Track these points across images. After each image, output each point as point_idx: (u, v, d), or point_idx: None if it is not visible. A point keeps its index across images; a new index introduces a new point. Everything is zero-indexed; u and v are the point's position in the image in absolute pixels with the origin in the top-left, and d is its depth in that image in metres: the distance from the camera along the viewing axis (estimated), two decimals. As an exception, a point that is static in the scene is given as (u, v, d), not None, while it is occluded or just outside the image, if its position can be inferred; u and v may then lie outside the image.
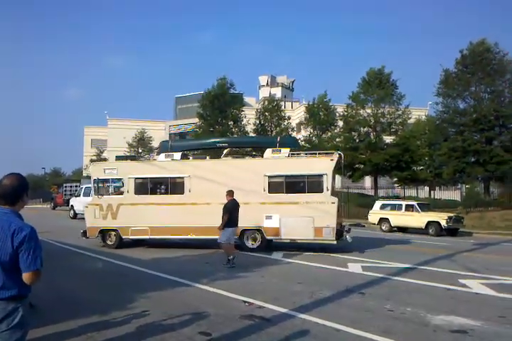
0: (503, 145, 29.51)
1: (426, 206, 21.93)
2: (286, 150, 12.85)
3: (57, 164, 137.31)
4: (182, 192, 12.83)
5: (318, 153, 13.18)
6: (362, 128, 36.27)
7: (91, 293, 7.15)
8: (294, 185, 12.51)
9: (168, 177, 13.14)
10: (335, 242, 12.04)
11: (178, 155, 13.46)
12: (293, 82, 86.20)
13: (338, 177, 53.79)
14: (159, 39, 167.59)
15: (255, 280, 8.35)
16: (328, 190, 11.93)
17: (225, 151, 14.55)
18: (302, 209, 11.85)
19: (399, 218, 21.20)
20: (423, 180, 36.47)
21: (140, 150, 57.66)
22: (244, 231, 12.20)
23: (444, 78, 31.32)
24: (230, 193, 10.08)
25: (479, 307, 6.53)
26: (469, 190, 31.14)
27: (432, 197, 36.33)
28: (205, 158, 14.09)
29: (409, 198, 30.62)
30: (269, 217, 12.15)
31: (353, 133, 36.82)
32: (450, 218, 19.67)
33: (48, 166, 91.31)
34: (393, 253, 12.91)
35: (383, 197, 28.60)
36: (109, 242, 12.95)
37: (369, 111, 35.84)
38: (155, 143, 60.40)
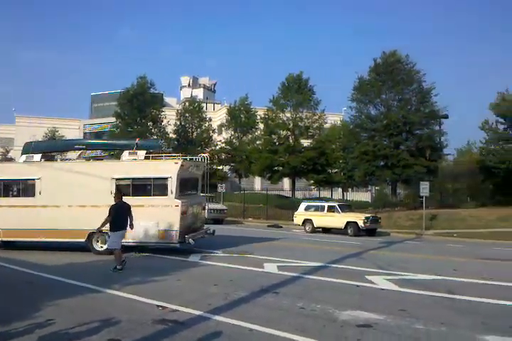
0: (409, 150, 31.73)
1: (347, 207, 22.97)
2: (142, 153, 12.94)
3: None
4: (33, 195, 12.68)
5: (164, 157, 13.19)
6: (281, 132, 37.20)
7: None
8: (140, 188, 12.54)
9: (19, 180, 13.00)
10: (178, 245, 11.97)
11: (38, 156, 13.30)
12: (215, 84, 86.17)
13: (257, 179, 54.38)
14: (74, 34, 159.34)
15: (171, 283, 8.23)
16: (172, 193, 11.98)
17: (77, 153, 14.68)
18: (147, 212, 11.76)
19: (321, 219, 21.90)
20: (337, 182, 38.22)
21: (51, 150, 54.32)
22: (92, 233, 11.91)
23: (358, 85, 33.04)
24: (118, 195, 9.96)
25: (383, 301, 6.96)
26: (378, 192, 33.15)
27: (345, 198, 38.13)
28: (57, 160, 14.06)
29: (324, 199, 31.94)
30: None
31: (272, 136, 37.65)
32: (367, 218, 20.66)
33: None
34: (308, 252, 13.37)
35: (309, 199, 29.35)
36: None
37: (288, 115, 36.89)
38: (68, 143, 57.42)
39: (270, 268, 10.00)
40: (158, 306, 6.37)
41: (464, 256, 13.86)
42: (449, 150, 50.61)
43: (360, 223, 20.36)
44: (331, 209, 21.69)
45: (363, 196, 35.76)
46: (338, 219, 21.16)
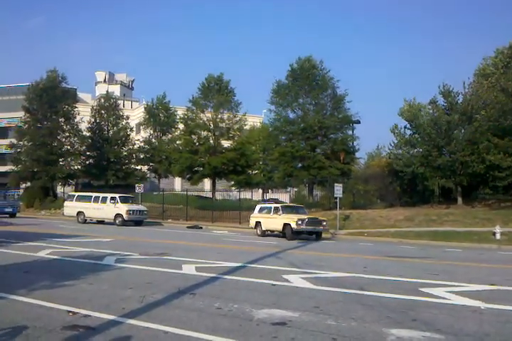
0: (324, 153, 33.10)
1: (294, 208, 22.26)
2: None
3: None
4: None
5: None
6: (202, 132, 37.06)
7: None
8: None
9: None
10: None
11: None
12: (133, 81, 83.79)
13: (177, 179, 53.75)
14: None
15: (83, 287, 7.83)
16: None
17: None
18: None
19: (267, 221, 21.06)
20: (257, 183, 38.83)
21: None
22: None
23: (276, 88, 33.88)
24: None
25: (298, 299, 7.17)
26: (297, 193, 34.16)
27: (265, 198, 38.78)
28: None
29: (244, 200, 32.26)
30: None
31: (193, 136, 37.39)
32: (302, 220, 19.65)
33: None
34: (226, 253, 13.41)
35: (262, 200, 28.74)
36: None
37: (209, 115, 36.84)
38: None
39: (188, 269, 9.89)
40: (68, 312, 6.03)
41: (374, 254, 14.73)
42: (360, 153, 53.54)
43: (293, 225, 19.45)
44: (276, 210, 20.99)
45: (282, 197, 36.60)
46: (278, 221, 20.42)
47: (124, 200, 27.11)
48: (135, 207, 27.10)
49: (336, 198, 24.46)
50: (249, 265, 10.87)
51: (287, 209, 21.56)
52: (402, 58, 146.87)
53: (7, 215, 31.01)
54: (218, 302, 6.72)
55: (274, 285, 8.31)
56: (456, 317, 6.23)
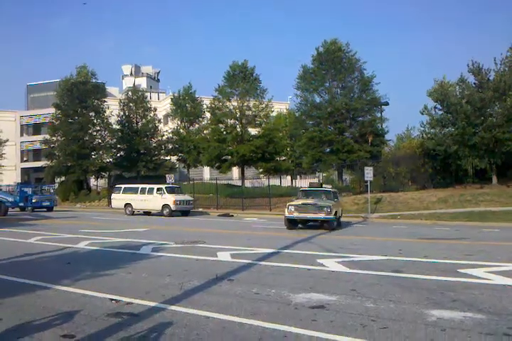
0: (353, 137, 32.69)
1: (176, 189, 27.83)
2: None
3: None
4: None
5: None
6: (229, 120, 37.09)
7: None
8: None
9: None
10: None
11: None
12: (158, 73, 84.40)
13: (206, 169, 54.30)
14: (4, 21, 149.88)
15: (123, 276, 8.06)
16: None
17: None
18: None
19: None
20: (286, 170, 38.77)
21: (-15, 144, 51.29)
22: None
23: (302, 73, 33.48)
24: None
25: (334, 283, 7.20)
26: (325, 178, 33.95)
27: (294, 185, 38.77)
28: None
29: (273, 187, 32.32)
30: None
31: (220, 125, 37.46)
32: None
33: None
34: (258, 239, 13.52)
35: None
36: None
37: (235, 103, 36.79)
38: (3, 136, 54.42)
39: (224, 256, 10.04)
40: (111, 300, 6.23)
41: (408, 236, 14.56)
42: (390, 135, 52.72)
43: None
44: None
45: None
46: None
47: (170, 191, 26.91)
48: (181, 197, 26.81)
49: (367, 181, 24.21)
50: (283, 250, 10.94)
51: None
52: (428, 39, 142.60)
53: (45, 209, 32.06)
54: (256, 288, 6.81)
55: (310, 269, 8.35)
56: (498, 297, 6.13)
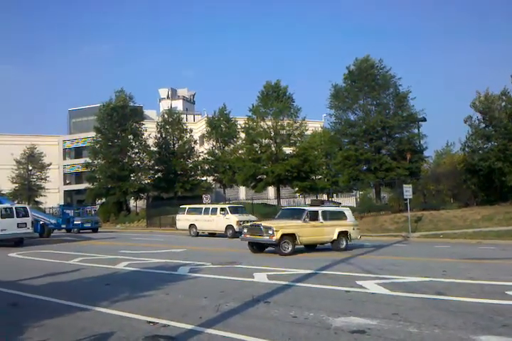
0: (390, 154, 32.10)
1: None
2: None
3: None
4: None
5: None
6: (263, 140, 37.27)
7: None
8: None
9: None
10: None
11: None
12: (194, 95, 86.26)
13: (242, 188, 54.49)
14: (51, 50, 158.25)
15: (160, 298, 8.08)
16: None
17: None
18: None
19: None
20: (322, 189, 38.38)
21: (30, 168, 53.53)
22: None
23: (335, 92, 33.38)
24: None
25: (375, 306, 6.95)
26: (363, 196, 33.32)
27: (331, 204, 38.24)
28: None
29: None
30: None
31: (254, 144, 37.68)
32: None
33: None
34: (296, 260, 13.31)
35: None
36: None
37: (269, 123, 37.02)
38: (47, 159, 56.61)
39: (260, 277, 9.93)
40: (148, 322, 6.23)
41: (451, 256, 14.00)
42: (429, 152, 51.46)
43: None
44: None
45: (348, 201, 35.90)
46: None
47: (234, 211, 25.61)
48: (245, 217, 25.16)
49: (406, 200, 23.59)
50: (321, 271, 10.71)
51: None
52: (466, 51, 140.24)
53: (90, 230, 32.80)
54: (293, 311, 6.66)
55: (349, 291, 8.12)
56: (553, 323, 5.75)
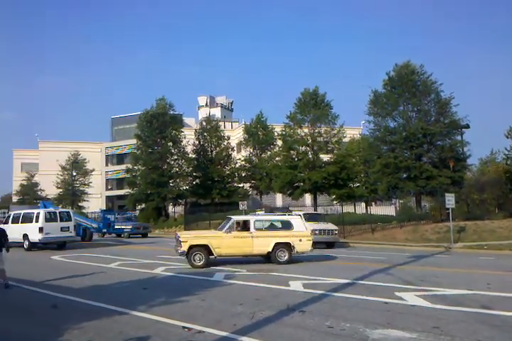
0: (432, 162, 31.23)
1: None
2: None
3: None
4: None
5: None
6: (300, 147, 37.09)
7: (17, 327, 6.60)
8: None
9: None
10: None
11: None
12: (232, 103, 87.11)
13: (279, 195, 54.37)
14: (92, 59, 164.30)
15: (196, 303, 8.12)
16: None
17: None
18: None
19: None
20: (360, 197, 37.75)
21: (74, 173, 55.39)
22: None
23: (374, 98, 32.87)
24: None
25: (415, 319, 6.71)
26: (403, 205, 32.51)
27: (368, 212, 37.57)
28: None
29: (347, 214, 31.49)
30: None
31: (291, 152, 37.54)
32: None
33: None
34: (332, 269, 13.10)
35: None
36: None
37: (306, 130, 36.83)
38: (90, 166, 58.38)
39: (296, 285, 9.81)
40: (184, 327, 6.27)
41: (497, 269, 13.40)
42: (472, 160, 49.73)
43: None
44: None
45: (387, 210, 35.13)
46: None
47: (309, 218, 21.86)
48: (322, 225, 22.34)
49: (448, 209, 22.80)
50: (358, 281, 10.47)
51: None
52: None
53: (140, 235, 33.51)
54: (329, 321, 6.53)
55: (387, 303, 7.89)
56: None
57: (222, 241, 13.84)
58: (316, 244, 19.05)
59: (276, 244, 14.10)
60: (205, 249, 13.62)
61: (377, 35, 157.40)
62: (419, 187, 30.16)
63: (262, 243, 14.02)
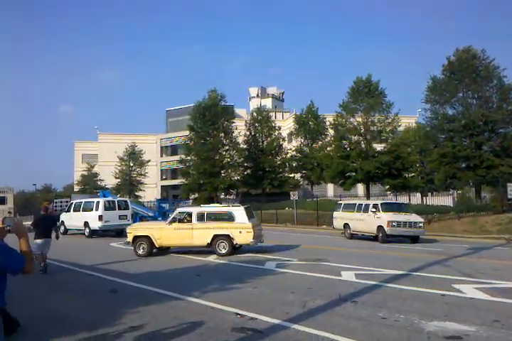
0: (493, 150, 29.73)
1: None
2: None
3: (49, 180, 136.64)
4: None
5: None
6: (352, 137, 36.42)
7: (77, 310, 6.99)
8: None
9: None
10: None
11: None
12: (283, 93, 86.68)
13: (330, 186, 53.73)
14: (148, 53, 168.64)
15: (248, 291, 8.24)
16: None
17: None
18: None
19: None
20: (415, 187, 36.64)
21: (131, 164, 57.39)
22: None
23: (432, 85, 31.61)
24: (44, 208, 11.91)
25: (473, 312, 6.48)
26: (461, 195, 31.21)
27: (424, 203, 36.39)
28: None
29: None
30: None
31: (343, 141, 36.94)
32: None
33: (39, 183, 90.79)
34: (386, 259, 12.84)
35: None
36: None
37: (359, 119, 36.07)
38: (146, 157, 60.19)
39: (348, 275, 9.71)
40: (236, 314, 6.38)
41: None
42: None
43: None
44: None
45: (444, 200, 33.85)
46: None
47: (387, 208, 19.96)
48: (402, 217, 19.18)
49: (510, 200, 21.68)
50: (413, 273, 10.20)
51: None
52: None
53: None
54: (382, 312, 6.42)
55: (444, 295, 7.65)
56: None
57: (164, 232, 14.19)
58: (390, 237, 18.78)
59: (216, 236, 14.00)
60: (148, 239, 14.16)
61: (438, 17, 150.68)
62: (478, 177, 28.85)
63: (202, 234, 14.05)
